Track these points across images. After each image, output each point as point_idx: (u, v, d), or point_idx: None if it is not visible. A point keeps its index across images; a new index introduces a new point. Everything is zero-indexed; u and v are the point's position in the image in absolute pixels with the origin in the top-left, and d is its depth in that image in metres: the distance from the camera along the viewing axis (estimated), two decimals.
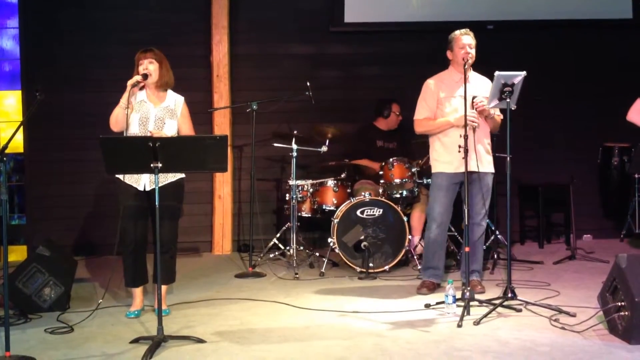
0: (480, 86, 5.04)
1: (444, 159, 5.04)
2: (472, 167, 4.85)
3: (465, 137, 4.62)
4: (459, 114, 4.90)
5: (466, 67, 4.81)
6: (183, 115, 4.63)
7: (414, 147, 6.43)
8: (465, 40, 4.98)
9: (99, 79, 6.80)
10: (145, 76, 4.46)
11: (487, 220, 6.34)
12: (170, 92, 4.64)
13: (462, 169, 4.77)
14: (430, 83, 5.16)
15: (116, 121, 4.46)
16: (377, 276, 5.68)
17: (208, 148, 3.99)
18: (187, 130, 4.64)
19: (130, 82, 4.42)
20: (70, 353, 3.86)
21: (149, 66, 4.51)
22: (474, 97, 4.89)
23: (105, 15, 7.00)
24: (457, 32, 5.05)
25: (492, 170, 5.10)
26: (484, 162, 4.98)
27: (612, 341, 3.84)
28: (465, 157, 4.62)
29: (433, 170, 5.16)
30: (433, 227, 5.10)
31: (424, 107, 5.14)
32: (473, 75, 5.09)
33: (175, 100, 4.63)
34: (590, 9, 7.37)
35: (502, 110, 4.84)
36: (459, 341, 3.92)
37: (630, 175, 7.02)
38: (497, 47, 7.12)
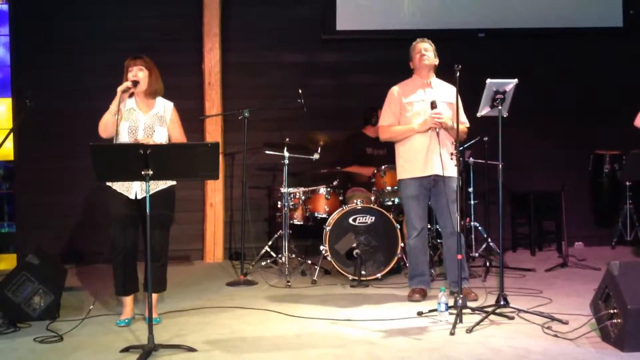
0: (443, 91, 5.11)
1: (409, 164, 5.09)
2: (437, 171, 4.93)
3: (457, 144, 4.64)
4: (422, 119, 5.02)
5: (426, 63, 5.04)
6: (173, 121, 4.61)
7: None
8: (421, 46, 5.16)
9: (89, 87, 6.78)
10: (135, 83, 4.44)
11: (480, 228, 6.39)
12: (159, 98, 4.62)
13: (428, 172, 4.97)
14: (393, 90, 5.25)
15: (105, 127, 4.43)
16: (369, 284, 5.67)
17: (199, 155, 3.97)
18: (178, 135, 4.62)
19: (120, 89, 4.40)
20: None
21: (139, 73, 4.48)
22: (433, 102, 4.94)
23: (96, 23, 6.99)
24: (414, 42, 5.24)
25: (456, 175, 5.09)
26: (448, 167, 4.99)
27: (605, 349, 3.84)
28: (457, 165, 4.64)
29: (399, 177, 5.19)
30: (413, 235, 5.14)
31: (388, 114, 5.22)
32: (436, 81, 5.19)
33: (164, 107, 4.61)
34: (581, 17, 7.42)
35: (493, 118, 4.84)
36: (451, 349, 3.91)
37: (621, 183, 7.05)
38: (488, 55, 7.16)
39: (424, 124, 5.00)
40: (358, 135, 6.75)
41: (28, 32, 6.92)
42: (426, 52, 5.10)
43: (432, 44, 5.17)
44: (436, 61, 5.14)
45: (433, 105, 4.95)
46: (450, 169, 5.01)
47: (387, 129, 5.22)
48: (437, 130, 4.94)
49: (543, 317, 4.43)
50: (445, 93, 5.12)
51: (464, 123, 5.16)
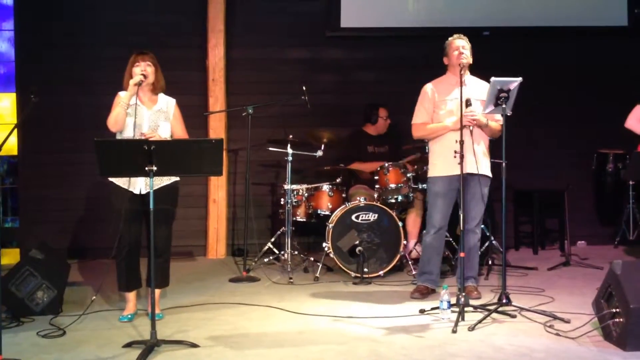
0: (477, 89, 5.05)
1: (442, 161, 5.04)
2: (471, 169, 4.87)
3: (461, 143, 4.63)
4: (456, 118, 4.94)
5: (463, 65, 4.86)
6: (175, 117, 4.62)
7: (405, 151, 6.43)
8: (458, 43, 5.06)
9: (93, 82, 6.77)
10: (144, 77, 4.45)
11: (482, 226, 6.38)
12: (161, 94, 4.63)
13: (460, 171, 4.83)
14: (427, 87, 5.19)
15: (116, 121, 4.43)
16: (371, 281, 5.67)
17: (203, 152, 3.97)
18: (180, 131, 4.63)
19: (133, 82, 4.40)
20: (63, 357, 3.83)
21: (147, 68, 4.49)
22: (467, 99, 4.90)
23: (101, 18, 6.99)
24: (451, 37, 5.15)
25: (489, 174, 5.09)
26: (482, 165, 4.97)
27: (607, 348, 3.84)
28: (461, 163, 4.62)
29: (430, 174, 5.15)
30: (431, 233, 5.11)
31: (421, 111, 5.17)
32: (470, 78, 5.10)
33: (167, 103, 4.62)
34: (585, 16, 7.40)
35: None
36: (453, 347, 3.92)
37: (624, 182, 7.03)
38: (492, 53, 7.13)
39: (457, 122, 4.90)
40: (359, 134, 6.74)
41: (33, 27, 6.92)
42: (464, 50, 5.01)
43: (469, 42, 5.09)
44: (471, 59, 5.03)
45: (468, 103, 4.88)
46: (484, 168, 4.99)
47: (420, 126, 5.17)
48: (471, 128, 4.88)
49: (545, 315, 4.43)
50: (479, 90, 5.03)
51: (499, 120, 5.11)
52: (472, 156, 4.84)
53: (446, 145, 5.01)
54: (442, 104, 5.09)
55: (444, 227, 5.13)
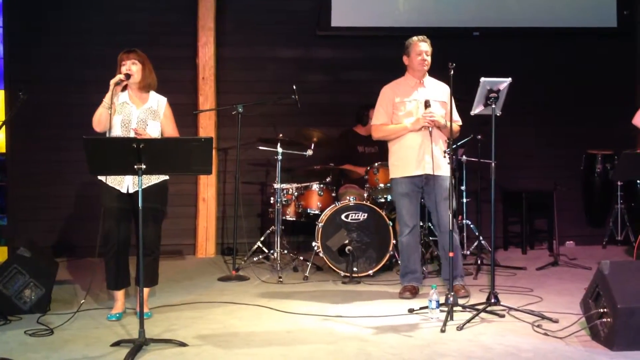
0: (436, 91, 5.12)
1: (401, 162, 5.09)
2: (428, 170, 4.93)
3: (450, 143, 4.66)
4: (414, 118, 5.03)
5: (425, 69, 5.03)
6: (166, 116, 4.61)
7: None
8: (422, 47, 5.09)
9: (83, 80, 6.75)
10: (127, 76, 4.43)
11: (472, 226, 6.41)
12: (152, 93, 4.61)
13: (419, 172, 4.99)
14: (386, 89, 5.25)
15: (99, 121, 4.42)
16: (361, 280, 5.68)
17: (193, 150, 3.96)
18: (171, 131, 4.61)
19: (113, 81, 4.39)
20: (51, 356, 3.82)
21: (132, 67, 4.47)
22: (426, 101, 4.94)
23: (90, 16, 6.96)
24: (415, 38, 5.15)
25: (448, 174, 5.02)
26: (441, 166, 5.01)
27: (595, 347, 3.86)
28: (451, 163, 4.66)
29: (392, 175, 5.20)
30: (405, 233, 5.15)
31: (381, 113, 5.21)
32: (429, 80, 5.18)
33: (158, 101, 4.60)
34: (575, 17, 7.44)
35: (486, 116, 4.85)
36: (442, 346, 3.93)
37: (613, 183, 7.08)
38: (482, 54, 7.17)
39: (416, 122, 5.00)
40: (349, 134, 6.74)
41: (22, 24, 6.88)
42: (427, 56, 5.06)
43: (430, 44, 5.13)
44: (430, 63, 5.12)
45: (427, 104, 4.96)
46: (442, 168, 5.02)
47: (380, 127, 5.22)
48: (430, 129, 4.94)
49: (533, 315, 4.44)
50: (438, 92, 5.12)
51: (457, 121, 5.16)
52: (431, 157, 4.91)
53: (405, 145, 5.07)
54: (401, 105, 5.13)
55: (417, 225, 5.18)
